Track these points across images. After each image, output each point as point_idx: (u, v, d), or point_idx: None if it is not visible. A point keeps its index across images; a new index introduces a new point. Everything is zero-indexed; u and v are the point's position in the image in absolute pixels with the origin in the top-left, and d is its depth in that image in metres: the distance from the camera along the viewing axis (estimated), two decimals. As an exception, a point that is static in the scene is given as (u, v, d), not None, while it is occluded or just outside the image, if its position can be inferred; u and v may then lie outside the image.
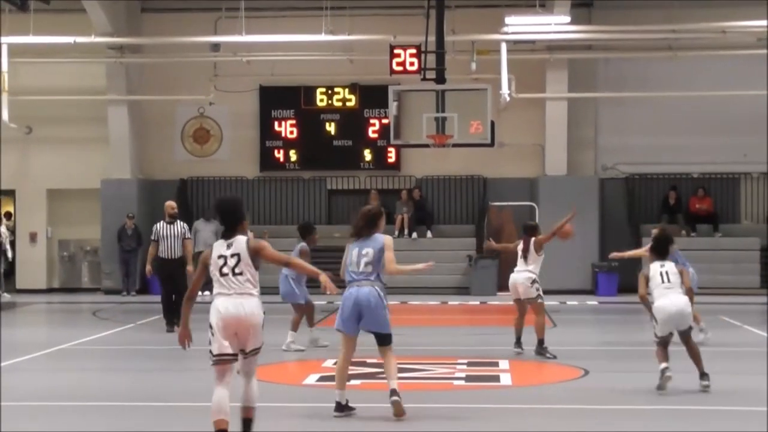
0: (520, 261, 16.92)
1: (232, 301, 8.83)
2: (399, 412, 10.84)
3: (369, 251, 11.43)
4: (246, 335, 8.86)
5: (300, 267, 10.89)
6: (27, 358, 17.50)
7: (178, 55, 29.16)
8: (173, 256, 20.28)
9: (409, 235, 29.62)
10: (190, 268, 19.61)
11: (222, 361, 8.94)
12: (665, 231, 12.66)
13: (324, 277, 10.22)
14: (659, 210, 29.57)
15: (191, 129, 30.95)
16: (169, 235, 20.25)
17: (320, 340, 17.21)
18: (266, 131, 30.66)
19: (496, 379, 14.75)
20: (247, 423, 9.15)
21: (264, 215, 30.23)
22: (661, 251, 11.70)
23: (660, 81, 28.12)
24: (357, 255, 11.41)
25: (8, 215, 30.01)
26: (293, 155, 30.63)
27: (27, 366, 16.77)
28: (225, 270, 8.83)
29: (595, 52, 28.96)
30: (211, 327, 8.84)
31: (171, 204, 21.07)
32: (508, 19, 25.56)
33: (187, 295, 10.01)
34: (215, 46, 27.94)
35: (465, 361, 16.25)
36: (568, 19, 26.23)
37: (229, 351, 8.90)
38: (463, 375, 15.01)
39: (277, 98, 30.55)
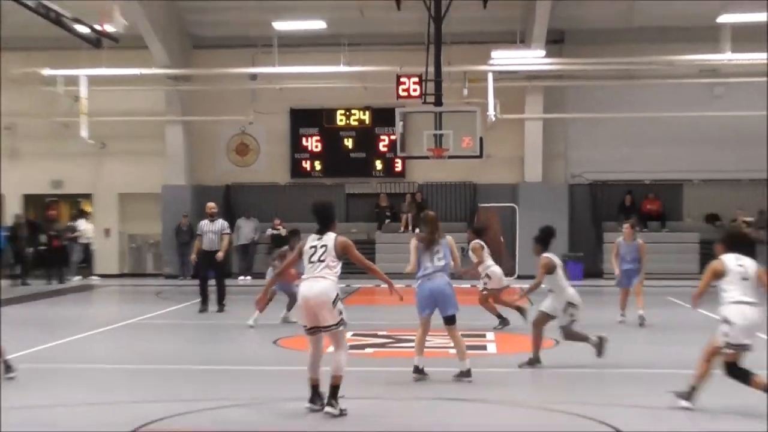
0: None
1: (308, 284, 9.26)
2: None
3: (440, 249, 11.71)
4: (316, 312, 9.20)
5: (376, 273, 10.63)
6: (103, 330, 17.64)
7: (223, 84, 29.25)
8: (213, 248, 19.98)
9: (413, 230, 29.45)
10: (219, 254, 19.64)
11: (307, 332, 9.47)
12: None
13: (395, 287, 10.54)
14: (617, 210, 29.45)
15: (234, 144, 31.05)
16: (210, 230, 20.06)
17: (291, 317, 16.63)
18: (295, 146, 30.72)
19: (484, 348, 14.86)
20: (332, 388, 9.23)
21: (293, 214, 30.12)
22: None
23: (619, 104, 28.01)
24: (431, 253, 11.63)
25: (85, 213, 30.12)
26: (317, 165, 30.70)
27: (103, 337, 16.97)
28: (313, 258, 9.30)
29: (566, 80, 28.92)
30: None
31: (210, 205, 20.92)
32: (494, 53, 25.72)
33: (277, 272, 11.05)
34: (253, 77, 28.05)
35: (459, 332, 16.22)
36: (543, 53, 26.53)
37: (307, 325, 9.39)
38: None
39: (304, 119, 30.57)
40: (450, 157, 23.11)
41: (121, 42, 21.58)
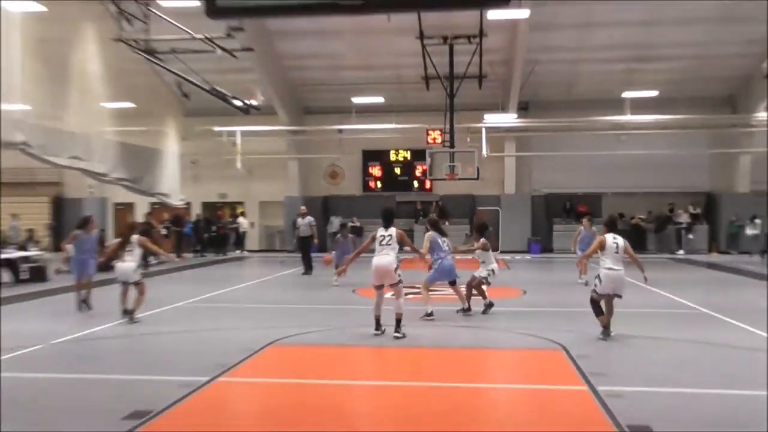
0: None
1: (379, 258, 9.83)
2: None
3: (447, 240, 12.18)
4: (383, 275, 9.80)
5: (418, 252, 11.21)
6: (247, 284, 17.83)
7: (321, 135, 29.23)
8: (305, 235, 20.01)
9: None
10: (315, 240, 20.23)
11: (375, 288, 9.97)
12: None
13: (427, 260, 11.78)
14: (561, 211, 29.75)
15: (328, 171, 31.03)
16: (302, 224, 20.04)
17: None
18: (365, 172, 30.81)
19: (480, 295, 14.97)
20: (397, 321, 9.74)
21: (364, 214, 30.68)
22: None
23: (563, 146, 27.83)
24: (442, 242, 11.90)
25: (243, 213, 30.76)
26: (379, 184, 30.81)
27: (247, 288, 16.98)
28: (383, 243, 9.91)
29: (529, 132, 28.75)
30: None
31: (302, 208, 21.12)
32: (485, 116, 25.93)
33: (358, 251, 10.77)
34: (340, 131, 27.92)
35: (463, 285, 16.54)
36: (515, 116, 26.87)
37: (375, 283, 9.91)
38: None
39: (370, 156, 30.60)
40: (459, 179, 23.45)
41: (261, 110, 21.52)
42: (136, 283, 11.39)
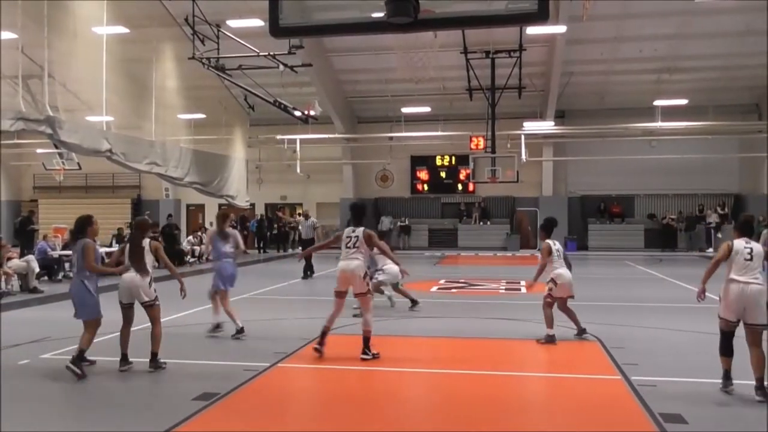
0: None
1: (345, 262, 7.85)
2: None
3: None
4: (348, 281, 7.87)
5: (387, 254, 8.68)
6: (304, 279, 17.59)
7: (373, 142, 29.34)
8: (307, 238, 18.49)
9: (478, 222, 30.05)
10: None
11: (336, 294, 7.98)
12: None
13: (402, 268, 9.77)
14: (596, 212, 29.47)
15: (379, 175, 31.20)
16: (305, 225, 18.67)
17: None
18: (413, 176, 30.82)
19: (519, 290, 14.82)
20: (365, 340, 7.81)
21: (412, 214, 30.93)
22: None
23: (597, 151, 27.44)
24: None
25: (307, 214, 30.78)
26: (426, 186, 30.76)
27: (305, 282, 17.22)
28: (348, 244, 7.84)
29: (565, 138, 28.53)
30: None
31: (305, 209, 19.10)
32: (525, 124, 25.77)
33: (319, 246, 9.80)
34: (390, 138, 28.21)
35: (504, 281, 16.40)
36: (552, 123, 26.63)
37: (340, 288, 7.95)
38: (503, 287, 15.19)
39: (418, 161, 30.59)
40: (500, 182, 23.45)
41: (318, 120, 21.64)
42: (149, 306, 7.39)
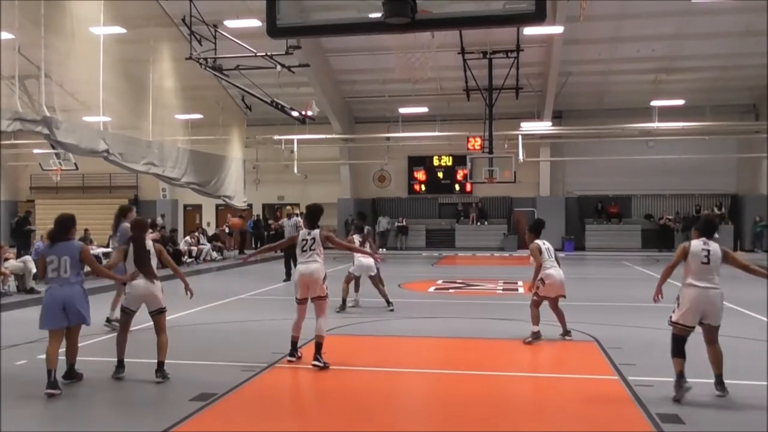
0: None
1: (305, 266, 7.44)
2: None
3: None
4: (309, 286, 7.44)
5: (354, 249, 9.46)
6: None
7: (370, 142, 29.29)
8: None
9: (475, 223, 30.03)
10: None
11: (298, 302, 7.57)
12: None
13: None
14: (593, 212, 29.47)
15: (377, 175, 31.23)
16: (287, 225, 17.96)
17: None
18: (410, 176, 30.83)
19: (516, 290, 14.81)
20: (318, 346, 7.39)
21: (409, 214, 30.89)
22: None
23: (594, 152, 27.50)
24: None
25: (301, 215, 30.68)
26: (423, 187, 30.74)
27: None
28: (305, 247, 7.42)
29: (563, 139, 28.53)
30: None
31: (288, 208, 17.85)
32: (522, 124, 25.77)
33: (269, 247, 9.28)
34: (387, 139, 28.17)
35: (501, 281, 16.37)
36: (550, 123, 26.63)
37: (300, 296, 7.54)
38: (501, 288, 15.16)
39: (415, 161, 30.60)
40: (497, 182, 23.49)
41: (315, 120, 21.67)
42: (159, 312, 7.04)
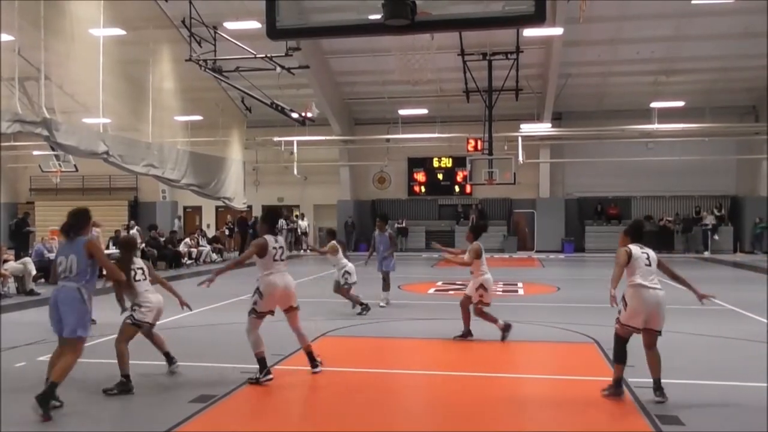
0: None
1: (281, 276, 6.89)
2: None
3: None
4: (287, 299, 7.00)
5: (318, 251, 8.89)
6: (302, 280, 17.83)
7: (370, 144, 29.29)
8: None
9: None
10: None
11: (265, 315, 6.91)
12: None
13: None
14: (593, 213, 29.46)
15: (376, 177, 31.22)
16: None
17: None
18: (410, 177, 30.83)
19: (516, 291, 14.94)
20: (310, 355, 7.19)
21: (409, 216, 30.87)
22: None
23: (594, 153, 27.53)
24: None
25: (302, 216, 30.76)
26: (423, 188, 30.77)
27: (303, 283, 17.23)
28: (276, 257, 6.80)
29: (562, 140, 28.54)
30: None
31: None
32: (522, 126, 25.77)
33: (236, 262, 7.62)
34: (387, 140, 28.10)
35: (501, 282, 16.09)
36: (549, 125, 26.64)
37: (270, 309, 6.89)
38: (500, 289, 14.88)
39: (415, 162, 30.59)
40: (497, 183, 23.56)
41: (315, 122, 21.74)
42: (153, 325, 7.03)
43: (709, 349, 8.64)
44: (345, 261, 11.22)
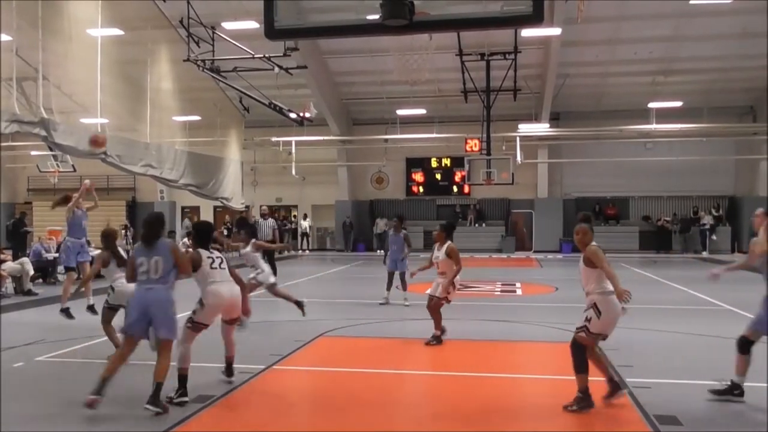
0: None
1: (228, 286, 6.47)
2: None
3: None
4: (232, 309, 6.62)
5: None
6: (301, 280, 17.81)
7: (368, 144, 29.33)
8: (266, 240, 14.72)
9: (474, 225, 30.01)
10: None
11: (203, 327, 6.48)
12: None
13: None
14: (591, 213, 29.43)
15: (374, 177, 31.25)
16: (264, 226, 15.82)
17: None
18: (408, 177, 30.82)
19: (514, 292, 14.91)
20: (231, 365, 6.90)
21: (407, 217, 30.76)
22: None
23: (592, 153, 27.60)
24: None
25: (304, 216, 30.84)
26: (421, 188, 30.77)
27: (302, 283, 17.29)
28: (213, 265, 6.38)
29: (560, 140, 28.56)
30: None
31: (263, 208, 17.01)
32: (520, 126, 25.75)
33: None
34: (385, 140, 28.09)
35: (499, 282, 16.35)
36: (547, 125, 26.64)
37: (214, 320, 6.57)
38: (498, 289, 15.13)
39: (414, 163, 30.58)
40: (495, 183, 23.44)
41: (314, 122, 21.68)
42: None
43: (708, 349, 8.63)
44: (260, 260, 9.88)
